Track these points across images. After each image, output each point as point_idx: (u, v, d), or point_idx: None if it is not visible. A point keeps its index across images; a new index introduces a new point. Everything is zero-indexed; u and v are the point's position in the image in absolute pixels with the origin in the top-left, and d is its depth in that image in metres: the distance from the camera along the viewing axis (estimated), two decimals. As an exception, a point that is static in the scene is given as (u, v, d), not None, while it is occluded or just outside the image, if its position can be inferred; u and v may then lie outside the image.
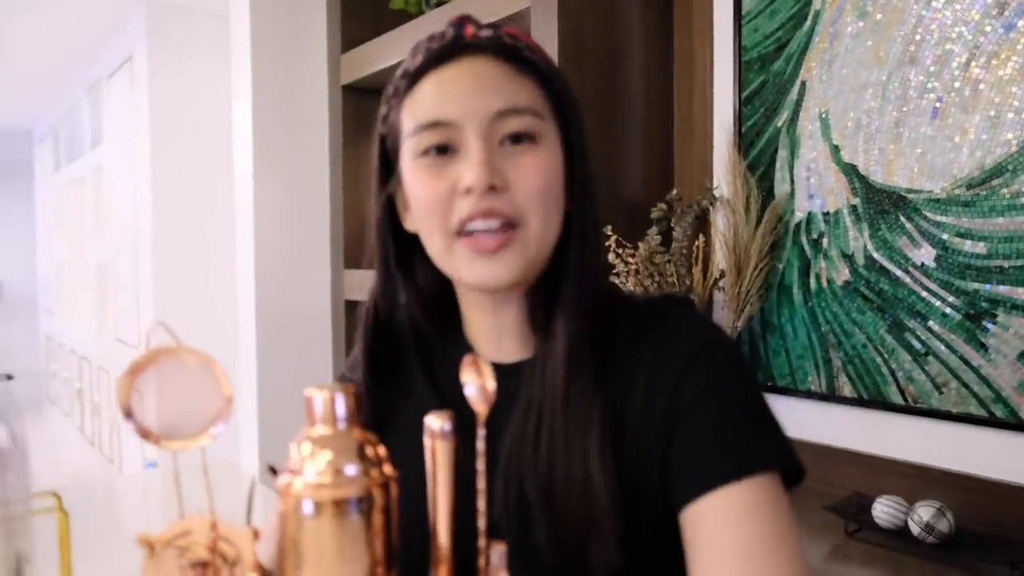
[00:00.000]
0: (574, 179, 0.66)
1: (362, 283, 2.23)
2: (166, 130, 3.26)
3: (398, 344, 0.74)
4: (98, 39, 3.93)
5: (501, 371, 0.68)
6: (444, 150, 0.63)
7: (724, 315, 1.64)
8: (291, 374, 2.28)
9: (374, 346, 0.73)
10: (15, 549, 0.50)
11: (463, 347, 0.72)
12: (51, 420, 5.91)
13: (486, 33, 0.64)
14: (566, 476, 0.61)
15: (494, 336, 0.71)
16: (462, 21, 0.64)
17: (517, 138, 0.62)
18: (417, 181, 0.64)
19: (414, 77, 0.64)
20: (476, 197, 0.61)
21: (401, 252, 0.71)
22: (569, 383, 0.63)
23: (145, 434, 0.53)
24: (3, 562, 0.49)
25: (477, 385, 0.55)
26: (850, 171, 1.49)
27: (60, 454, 4.93)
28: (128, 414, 0.52)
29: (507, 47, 0.63)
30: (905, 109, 1.41)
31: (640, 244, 1.61)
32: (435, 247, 0.66)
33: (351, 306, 2.33)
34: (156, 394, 0.53)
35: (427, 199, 0.64)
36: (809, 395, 1.57)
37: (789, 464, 0.61)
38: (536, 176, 0.62)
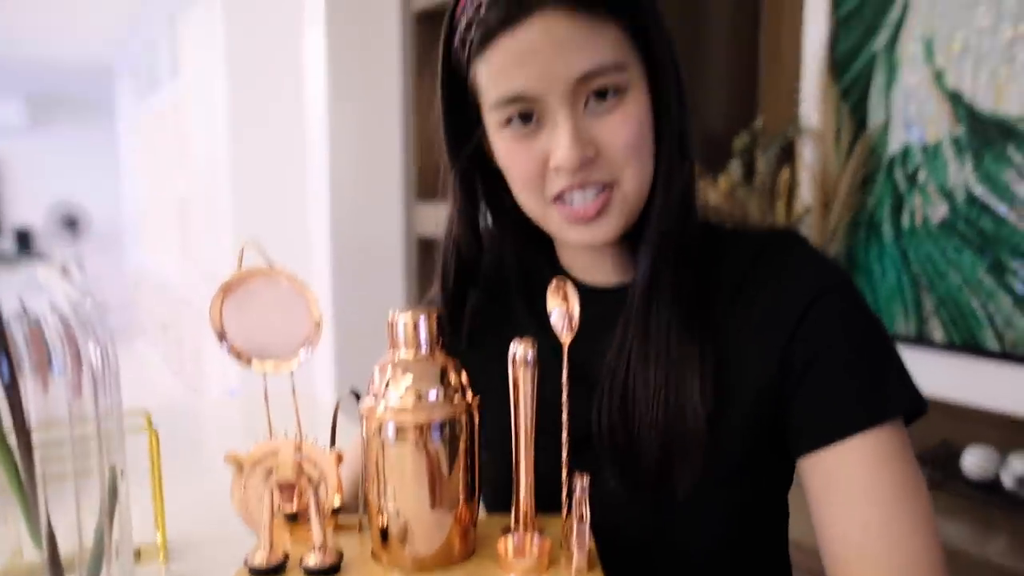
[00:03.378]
0: (661, 121, 0.62)
1: (435, 216, 2.22)
2: (241, 61, 3.28)
3: (490, 277, 0.74)
4: (173, -28, 3.96)
5: (600, 294, 0.68)
6: (528, 118, 0.60)
7: (808, 253, 1.57)
8: (364, 305, 2.32)
9: (457, 287, 0.73)
10: (110, 464, 0.51)
11: (558, 270, 0.72)
12: (138, 350, 6.23)
13: None
14: (657, 401, 0.61)
15: (590, 262, 0.70)
16: None
17: (602, 93, 0.59)
18: (506, 152, 0.62)
19: (486, 35, 0.59)
20: (569, 174, 0.60)
21: (489, 186, 0.70)
22: (656, 310, 0.62)
23: (237, 354, 0.53)
24: (99, 476, 0.51)
25: (562, 311, 0.53)
26: (955, 98, 1.39)
27: (146, 382, 5.20)
28: (221, 334, 0.52)
29: None
30: (1022, 28, 1.29)
31: (721, 177, 1.54)
32: (530, 209, 0.65)
33: (423, 240, 2.34)
34: (247, 314, 0.53)
35: (519, 173, 0.62)
36: (896, 339, 1.50)
37: (919, 407, 0.60)
38: (627, 133, 0.59)
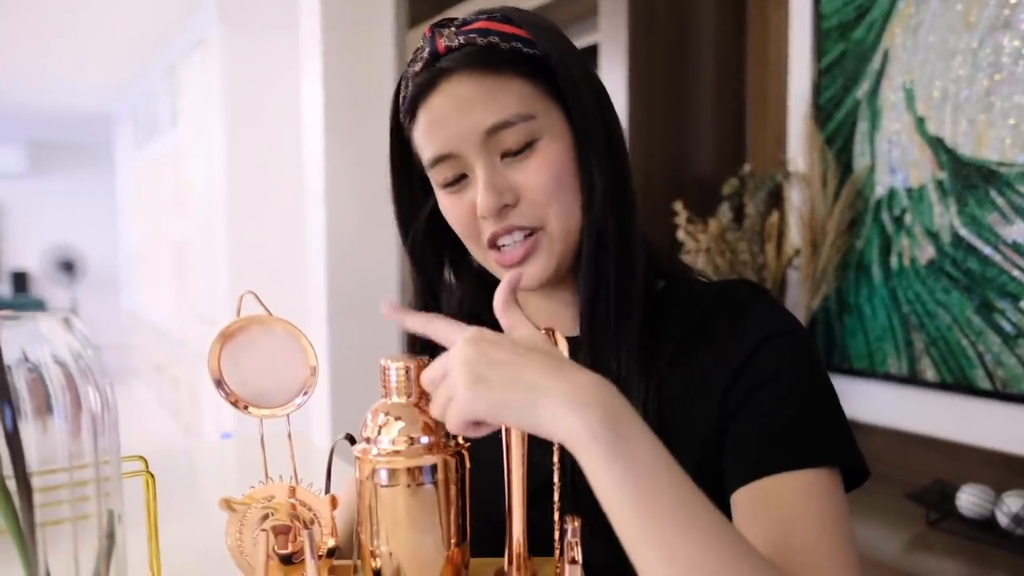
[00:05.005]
0: (583, 164, 0.64)
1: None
2: (239, 110, 3.33)
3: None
4: (174, 22, 4.05)
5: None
6: (460, 177, 0.65)
7: (799, 295, 1.59)
8: (360, 349, 2.33)
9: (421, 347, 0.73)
10: (107, 508, 0.51)
11: None
12: (133, 392, 6.20)
13: (458, 42, 0.63)
14: None
15: (552, 313, 0.71)
16: (434, 33, 0.64)
17: (516, 143, 0.63)
18: (445, 207, 0.67)
19: (410, 110, 0.66)
20: (492, 221, 0.63)
21: (451, 244, 0.73)
22: (603, 363, 0.63)
23: (234, 401, 0.54)
24: (96, 521, 0.51)
25: (552, 358, 0.54)
26: (936, 144, 1.42)
27: (141, 424, 5.16)
28: (218, 381, 0.54)
29: (481, 53, 0.62)
30: (997, 77, 1.33)
31: (711, 221, 1.57)
32: (476, 257, 0.70)
33: (418, 283, 2.36)
34: (244, 361, 0.54)
35: (456, 223, 0.67)
36: (888, 378, 1.52)
37: (851, 463, 0.58)
38: (542, 178, 0.62)
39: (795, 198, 1.60)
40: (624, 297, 0.63)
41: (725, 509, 0.61)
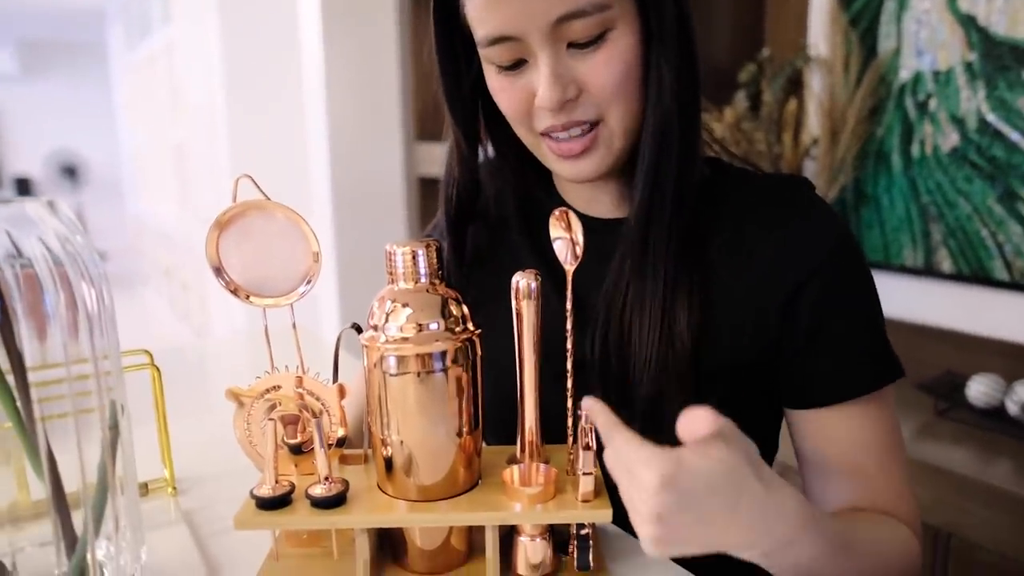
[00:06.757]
0: (653, 55, 0.59)
1: (435, 156, 2.19)
2: (234, 4, 3.19)
3: (486, 213, 0.74)
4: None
5: (599, 225, 0.67)
6: (518, 62, 0.59)
7: (815, 186, 1.55)
8: (366, 246, 2.31)
9: (457, 220, 0.72)
10: (110, 400, 0.50)
11: (558, 203, 0.71)
12: (143, 297, 6.24)
13: None
14: (649, 329, 0.60)
15: (589, 194, 0.69)
16: None
17: (587, 39, 0.57)
18: (495, 89, 0.62)
19: None
20: (551, 114, 0.59)
21: (491, 115, 0.68)
22: (652, 245, 0.61)
23: (234, 290, 0.52)
24: (99, 413, 0.50)
25: (566, 240, 0.52)
26: (968, 22, 1.34)
27: (152, 328, 5.23)
28: (217, 269, 0.51)
29: None
30: (1040, -53, 1.24)
31: (726, 109, 1.51)
32: (524, 140, 0.65)
33: (424, 180, 2.31)
34: (244, 249, 0.51)
35: (508, 108, 0.62)
36: (904, 270, 1.49)
37: (902, 375, 0.63)
38: (611, 73, 0.57)
39: (815, 85, 1.53)
40: (682, 191, 0.61)
41: (771, 403, 0.66)
